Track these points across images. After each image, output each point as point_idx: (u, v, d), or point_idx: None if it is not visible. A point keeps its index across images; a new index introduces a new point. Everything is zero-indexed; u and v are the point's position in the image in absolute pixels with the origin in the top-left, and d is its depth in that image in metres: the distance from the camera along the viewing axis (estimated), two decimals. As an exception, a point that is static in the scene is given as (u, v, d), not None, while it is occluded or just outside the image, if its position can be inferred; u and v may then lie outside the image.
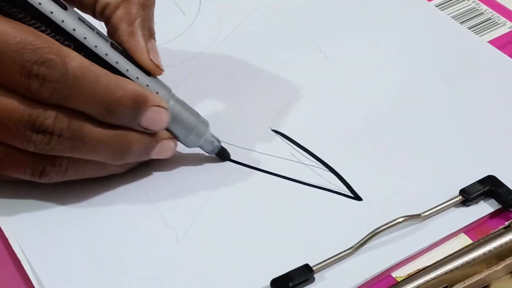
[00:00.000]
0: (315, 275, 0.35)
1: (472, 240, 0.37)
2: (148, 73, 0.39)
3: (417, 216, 0.37)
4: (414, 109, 0.44)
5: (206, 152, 0.41)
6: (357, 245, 0.36)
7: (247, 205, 0.39)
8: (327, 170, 0.40)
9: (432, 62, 0.47)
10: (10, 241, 0.37)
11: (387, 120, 0.43)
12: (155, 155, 0.40)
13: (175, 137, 0.40)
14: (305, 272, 0.35)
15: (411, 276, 0.36)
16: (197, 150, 0.41)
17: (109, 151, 0.38)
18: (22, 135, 0.35)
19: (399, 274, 0.36)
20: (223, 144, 0.41)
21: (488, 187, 0.39)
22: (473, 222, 0.38)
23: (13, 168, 0.37)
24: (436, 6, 0.51)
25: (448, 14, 0.50)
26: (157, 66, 0.39)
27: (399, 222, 0.37)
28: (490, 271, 0.37)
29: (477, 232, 0.38)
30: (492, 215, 0.38)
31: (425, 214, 0.38)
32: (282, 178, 0.40)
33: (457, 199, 0.38)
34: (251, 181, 0.40)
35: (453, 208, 0.38)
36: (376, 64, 0.47)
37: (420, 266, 0.36)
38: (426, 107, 0.44)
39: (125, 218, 0.38)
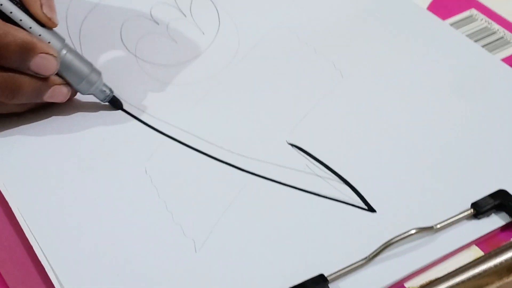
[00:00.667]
0: (329, 285, 0.36)
1: (484, 252, 0.38)
2: (43, 24, 0.42)
3: (430, 228, 0.38)
4: (428, 124, 0.45)
5: (99, 100, 0.45)
6: (371, 256, 0.37)
7: (263, 216, 0.40)
8: (342, 182, 0.41)
9: (446, 78, 0.48)
10: (34, 247, 0.38)
11: (401, 134, 0.44)
12: (48, 98, 0.44)
13: (68, 84, 0.44)
14: (320, 282, 0.36)
15: (423, 286, 0.37)
16: (94, 99, 0.45)
17: (0, 90, 0.42)
18: None
19: (412, 284, 0.37)
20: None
21: (499, 201, 0.39)
22: (484, 235, 0.39)
23: None
24: (451, 25, 0.52)
25: (462, 33, 0.51)
26: (49, 19, 0.42)
27: (412, 234, 0.38)
28: (501, 283, 0.37)
29: (489, 244, 0.38)
30: (503, 228, 0.39)
31: (438, 226, 0.38)
32: (297, 190, 0.41)
33: (469, 212, 0.39)
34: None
35: (465, 220, 0.39)
36: (390, 80, 0.48)
37: (433, 277, 0.37)
38: (440, 122, 0.45)
39: (143, 227, 0.39)
